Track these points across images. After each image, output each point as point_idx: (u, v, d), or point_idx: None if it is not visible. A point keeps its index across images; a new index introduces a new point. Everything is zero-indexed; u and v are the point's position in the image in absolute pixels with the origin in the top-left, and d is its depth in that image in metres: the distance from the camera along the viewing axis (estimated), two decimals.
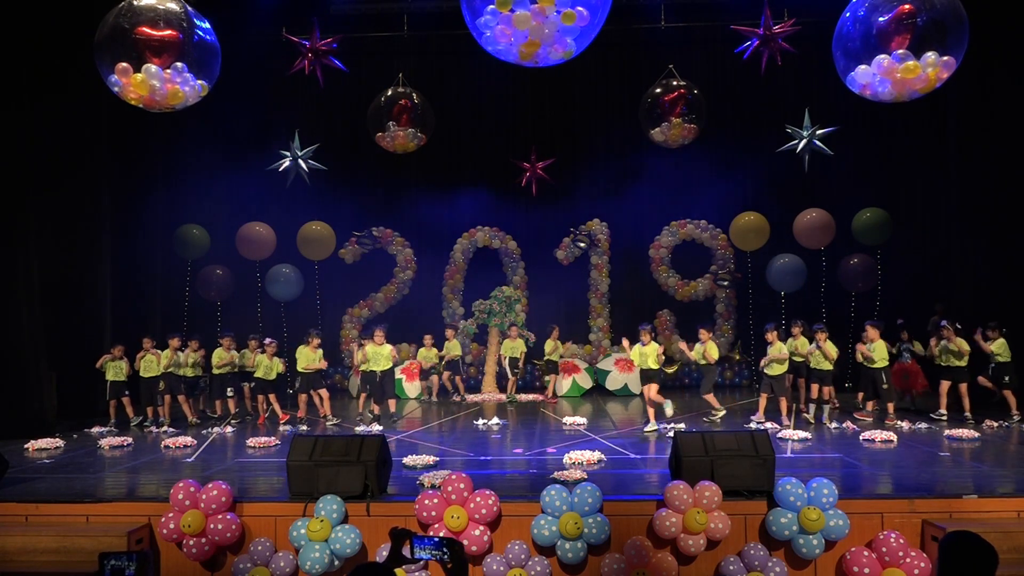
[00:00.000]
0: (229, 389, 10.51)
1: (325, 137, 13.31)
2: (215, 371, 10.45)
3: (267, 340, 10.60)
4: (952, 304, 11.69)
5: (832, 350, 9.72)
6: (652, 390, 9.52)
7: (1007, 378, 9.80)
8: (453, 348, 12.64)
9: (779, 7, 10.73)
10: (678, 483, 5.65)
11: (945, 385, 9.88)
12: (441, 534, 5.45)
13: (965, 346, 9.74)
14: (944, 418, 9.67)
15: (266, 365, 10.43)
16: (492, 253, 14.82)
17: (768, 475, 5.82)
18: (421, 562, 3.48)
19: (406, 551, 3.29)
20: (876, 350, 9.71)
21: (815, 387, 9.92)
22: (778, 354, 9.74)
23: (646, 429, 9.26)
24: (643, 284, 14.54)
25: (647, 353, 9.57)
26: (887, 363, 9.81)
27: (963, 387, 9.81)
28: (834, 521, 5.47)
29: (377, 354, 10.09)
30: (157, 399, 10.38)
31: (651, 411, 9.49)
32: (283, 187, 13.02)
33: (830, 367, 9.78)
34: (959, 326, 10.04)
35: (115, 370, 10.30)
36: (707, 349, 10.00)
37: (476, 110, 14.59)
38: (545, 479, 6.68)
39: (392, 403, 10.31)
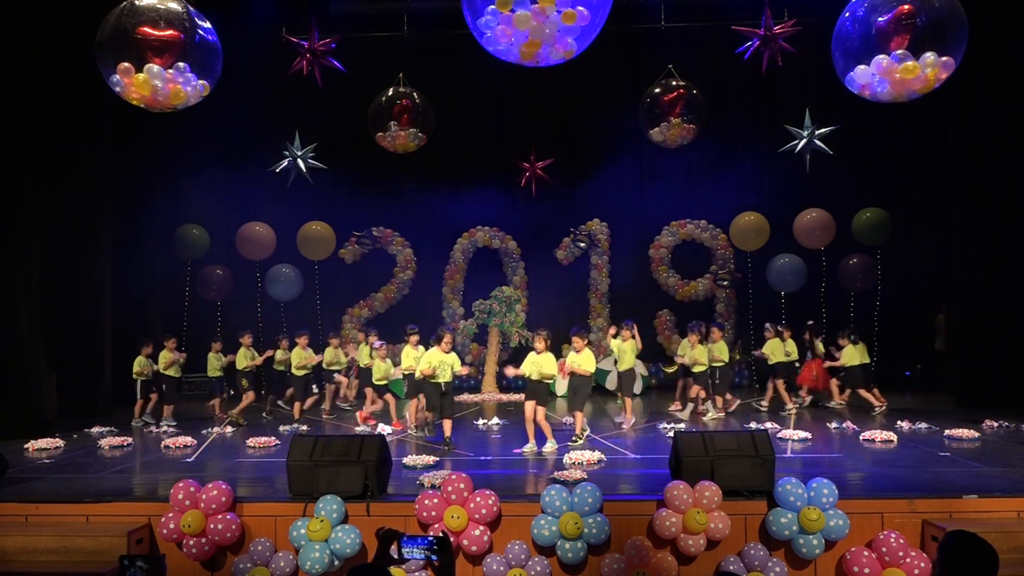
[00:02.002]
0: (314, 387, 10.38)
1: (325, 137, 13.30)
2: (295, 371, 10.27)
3: (376, 344, 10.09)
4: (953, 304, 11.70)
5: (702, 353, 10.02)
6: (531, 407, 8.23)
7: (854, 380, 10.70)
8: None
9: (779, 7, 10.73)
10: (678, 483, 5.65)
11: (777, 382, 10.97)
12: (440, 533, 5.46)
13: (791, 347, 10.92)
14: (774, 410, 10.61)
15: (384, 369, 9.87)
16: (492, 253, 14.81)
17: (768, 475, 5.82)
18: (415, 562, 3.49)
19: (394, 552, 3.29)
20: (719, 350, 10.22)
21: (693, 387, 10.27)
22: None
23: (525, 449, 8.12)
24: (643, 284, 14.53)
25: (539, 362, 8.18)
26: (725, 362, 10.28)
27: (779, 383, 10.89)
28: (834, 521, 5.47)
29: (443, 363, 8.42)
30: (174, 397, 10.36)
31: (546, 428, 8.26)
32: (283, 187, 13.02)
33: (703, 367, 10.06)
34: (781, 329, 11.17)
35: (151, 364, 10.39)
36: (580, 360, 8.43)
37: (476, 110, 14.58)
38: (545, 479, 6.69)
39: (448, 424, 8.53)
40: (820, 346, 11.24)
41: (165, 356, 10.30)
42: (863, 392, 10.58)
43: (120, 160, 11.81)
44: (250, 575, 5.61)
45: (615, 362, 10.49)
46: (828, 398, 11.24)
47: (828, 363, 10.96)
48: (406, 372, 9.41)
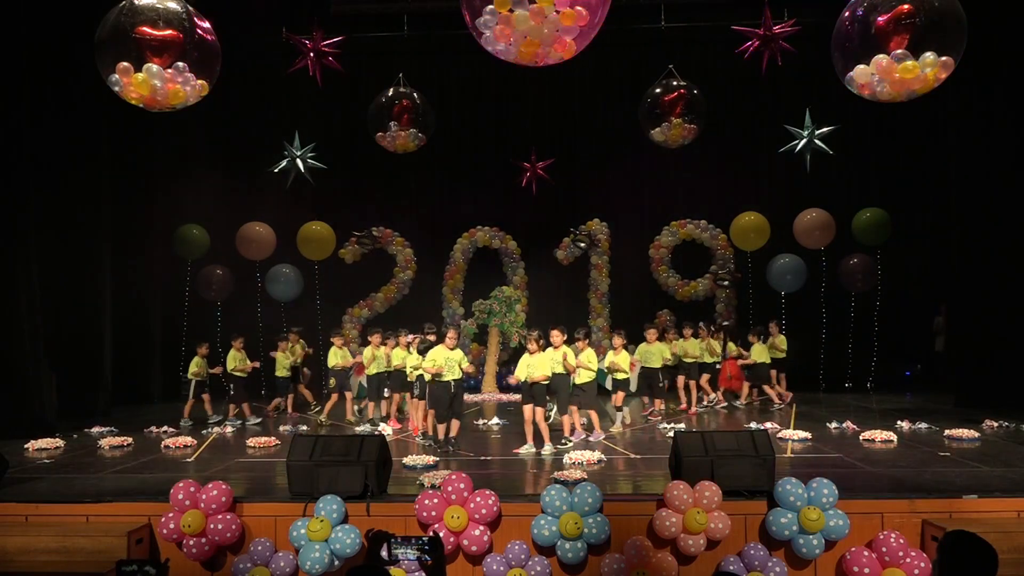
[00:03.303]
0: (386, 390, 9.99)
1: (325, 137, 13.30)
2: (369, 372, 9.97)
3: (410, 337, 9.81)
4: (953, 304, 11.71)
5: (626, 359, 9.44)
6: (529, 409, 8.11)
7: (759, 376, 11.23)
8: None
9: (779, 7, 10.73)
10: (678, 483, 5.65)
11: (681, 380, 11.00)
12: (430, 534, 5.46)
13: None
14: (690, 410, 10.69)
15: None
16: (492, 253, 14.81)
17: (768, 475, 5.82)
18: (408, 562, 3.51)
19: (384, 553, 3.30)
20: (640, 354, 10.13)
21: (617, 394, 9.54)
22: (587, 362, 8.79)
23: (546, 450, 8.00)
24: (643, 284, 14.53)
25: (534, 364, 8.06)
26: (660, 364, 10.20)
27: (704, 379, 11.09)
28: (834, 521, 5.47)
29: (451, 360, 8.22)
30: (242, 396, 10.32)
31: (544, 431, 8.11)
32: (283, 187, 13.02)
33: (626, 374, 9.50)
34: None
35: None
36: (558, 356, 8.24)
37: (476, 110, 14.58)
38: (545, 479, 6.69)
39: (456, 424, 8.42)
40: (732, 347, 11.50)
41: (234, 356, 10.28)
42: (767, 388, 11.15)
43: (120, 160, 11.81)
44: (250, 575, 5.61)
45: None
46: (736, 397, 11.47)
47: (741, 362, 11.23)
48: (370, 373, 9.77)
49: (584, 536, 5.48)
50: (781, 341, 11.59)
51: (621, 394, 9.48)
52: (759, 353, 11.08)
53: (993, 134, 10.43)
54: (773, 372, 11.52)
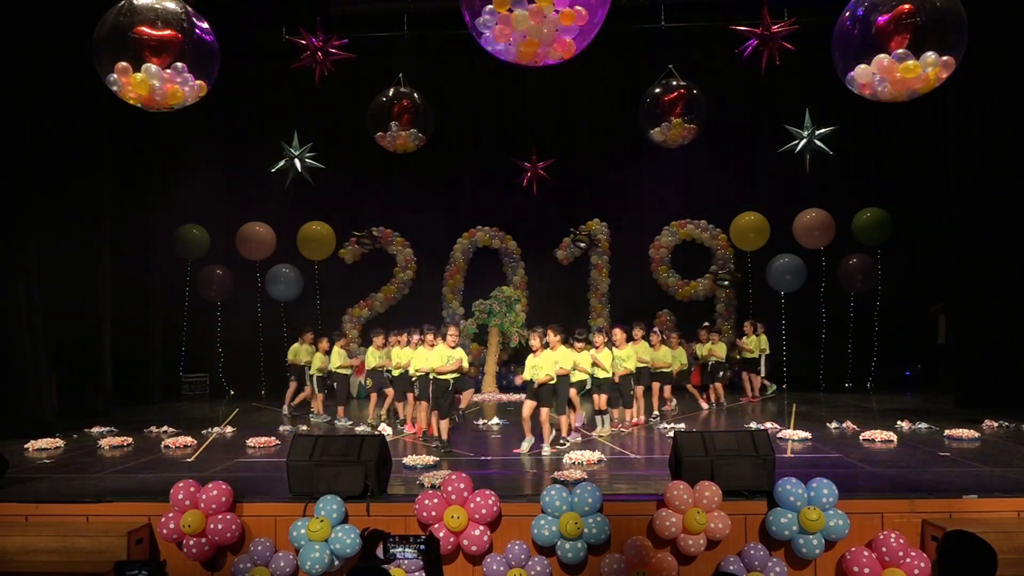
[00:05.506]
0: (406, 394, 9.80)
1: (325, 137, 13.31)
2: (395, 371, 9.79)
3: (419, 336, 9.50)
4: (953, 304, 11.69)
5: (607, 359, 8.99)
6: (530, 406, 8.07)
7: (752, 366, 12.04)
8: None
9: (779, 7, 10.73)
10: (678, 483, 5.65)
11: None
12: (426, 535, 5.45)
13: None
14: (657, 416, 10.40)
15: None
16: (492, 253, 14.82)
17: (768, 475, 5.81)
18: (405, 561, 3.53)
19: (380, 552, 3.30)
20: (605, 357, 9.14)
21: (596, 397, 9.15)
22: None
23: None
24: (643, 284, 14.54)
25: (537, 364, 7.97)
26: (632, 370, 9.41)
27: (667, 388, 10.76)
28: (834, 521, 5.47)
29: (451, 359, 8.26)
30: (346, 394, 10.39)
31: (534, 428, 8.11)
32: (283, 187, 13.02)
33: (607, 375, 9.00)
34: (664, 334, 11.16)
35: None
36: (558, 357, 8.10)
37: (476, 110, 14.58)
38: (545, 479, 6.69)
39: (445, 424, 8.34)
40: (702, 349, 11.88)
41: (339, 355, 10.26)
42: (750, 377, 11.89)
43: (120, 160, 11.81)
44: (250, 575, 5.60)
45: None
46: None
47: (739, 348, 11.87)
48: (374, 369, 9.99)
49: (584, 536, 5.48)
50: (749, 342, 11.80)
51: (604, 397, 9.17)
52: (755, 344, 11.52)
53: (993, 134, 10.42)
54: (744, 373, 11.84)
